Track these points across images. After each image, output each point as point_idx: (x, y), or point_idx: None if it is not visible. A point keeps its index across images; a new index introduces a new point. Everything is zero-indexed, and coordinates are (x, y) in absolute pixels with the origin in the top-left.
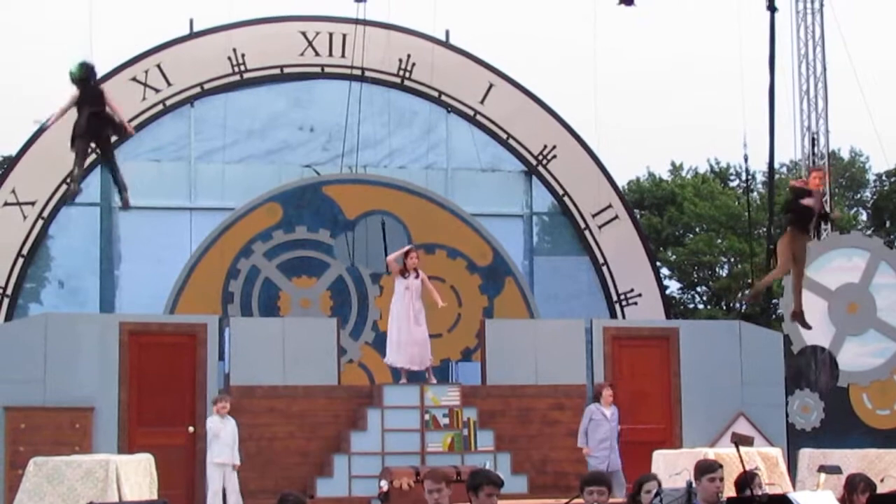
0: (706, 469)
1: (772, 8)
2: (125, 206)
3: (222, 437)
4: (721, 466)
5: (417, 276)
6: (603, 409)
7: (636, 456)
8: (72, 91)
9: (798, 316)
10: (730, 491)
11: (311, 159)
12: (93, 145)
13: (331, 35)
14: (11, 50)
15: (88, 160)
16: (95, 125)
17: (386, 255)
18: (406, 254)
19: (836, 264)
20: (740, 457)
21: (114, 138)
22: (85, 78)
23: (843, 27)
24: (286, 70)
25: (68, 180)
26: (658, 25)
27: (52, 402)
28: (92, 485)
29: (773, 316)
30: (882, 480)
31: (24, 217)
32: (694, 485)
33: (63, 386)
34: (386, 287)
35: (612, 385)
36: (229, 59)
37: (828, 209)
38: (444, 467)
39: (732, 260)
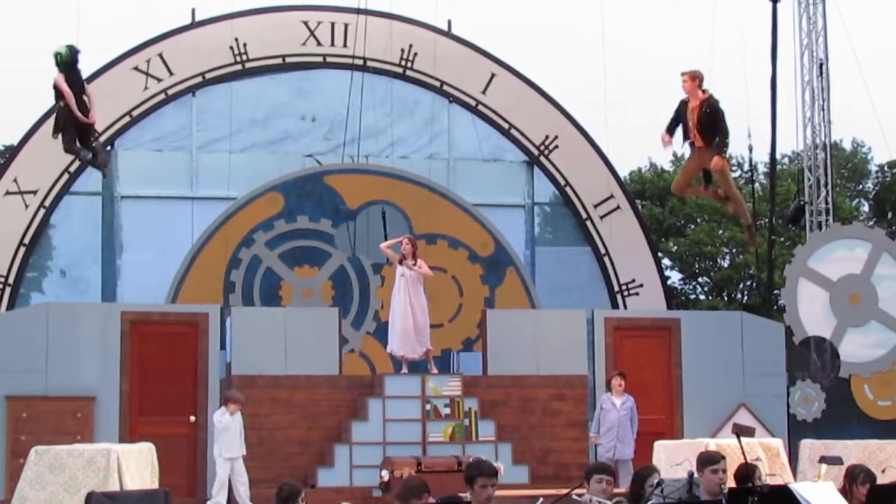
0: (709, 461)
1: None
2: (104, 167)
3: (231, 432)
4: (724, 458)
5: (415, 264)
6: (613, 398)
7: (637, 446)
8: (60, 77)
9: (750, 229)
10: (730, 482)
11: (312, 149)
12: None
13: (333, 25)
14: (11, 42)
15: None
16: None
17: None
18: (401, 242)
19: (837, 255)
20: (741, 447)
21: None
22: (72, 62)
23: (845, 18)
24: (288, 60)
25: (90, 156)
26: (659, 15)
27: (53, 392)
28: (93, 474)
29: (775, 307)
30: (883, 471)
31: (26, 206)
32: (696, 476)
33: (64, 375)
34: (387, 277)
35: (621, 374)
36: (231, 48)
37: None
38: (444, 458)
39: (734, 251)
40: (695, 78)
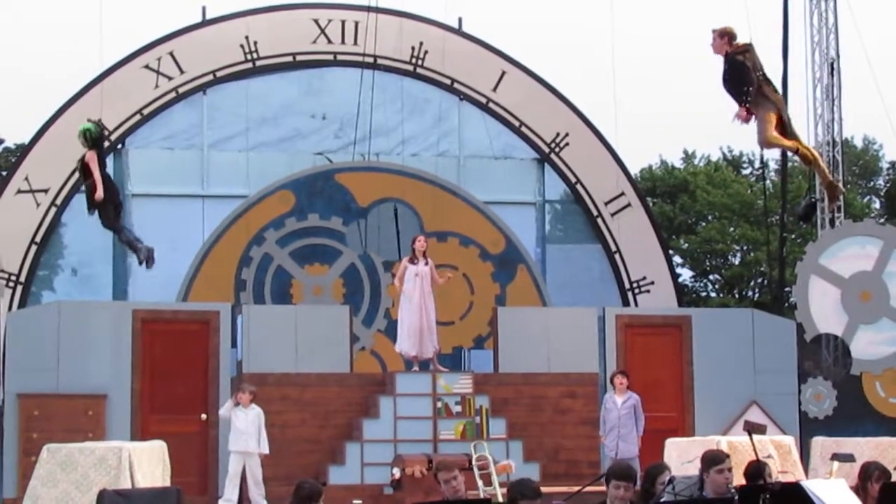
0: (714, 461)
1: None
2: (149, 263)
3: (239, 426)
4: (728, 457)
5: (427, 263)
6: (614, 397)
7: (648, 444)
8: (92, 155)
9: (832, 189)
10: (741, 479)
11: (323, 147)
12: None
13: (343, 23)
14: (24, 40)
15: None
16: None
17: (398, 242)
18: (413, 240)
19: (849, 252)
20: (753, 445)
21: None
22: (101, 138)
23: (856, 14)
24: (299, 58)
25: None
26: (669, 12)
27: (65, 390)
28: (105, 472)
29: (786, 304)
30: (895, 468)
31: (38, 204)
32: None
33: (76, 373)
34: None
35: (622, 373)
36: (242, 46)
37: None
38: (454, 456)
39: (745, 248)
40: (723, 35)
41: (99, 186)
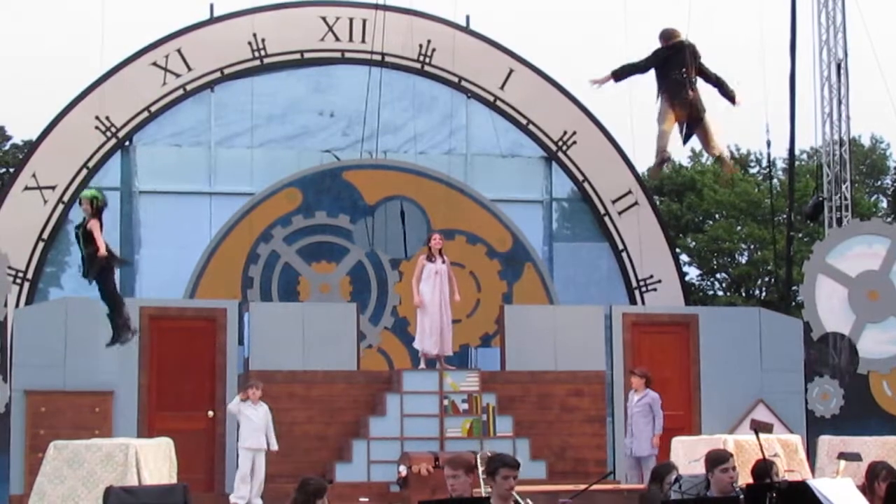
0: (718, 460)
1: None
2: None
3: (254, 422)
4: (731, 456)
5: (444, 261)
6: (633, 395)
7: (660, 444)
8: (96, 224)
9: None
10: (747, 478)
11: (331, 144)
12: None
13: (351, 20)
14: (31, 38)
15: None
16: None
17: (405, 240)
18: (429, 238)
19: (856, 251)
20: (760, 444)
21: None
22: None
23: (864, 13)
24: (306, 55)
25: (130, 331)
26: (678, 11)
27: (72, 386)
28: (112, 468)
29: (793, 303)
30: None
31: (45, 201)
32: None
33: (83, 370)
34: (406, 273)
35: (632, 371)
36: (250, 44)
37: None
38: (464, 453)
39: (752, 247)
40: (660, 37)
41: (101, 246)
